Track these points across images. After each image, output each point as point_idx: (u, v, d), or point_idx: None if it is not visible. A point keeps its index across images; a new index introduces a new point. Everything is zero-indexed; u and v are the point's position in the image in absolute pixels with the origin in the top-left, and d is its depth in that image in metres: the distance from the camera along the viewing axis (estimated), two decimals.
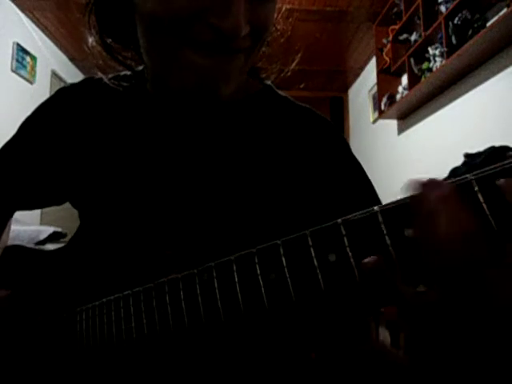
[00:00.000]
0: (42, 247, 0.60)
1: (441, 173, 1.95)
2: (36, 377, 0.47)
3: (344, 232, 0.29)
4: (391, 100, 2.94)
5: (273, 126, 0.51)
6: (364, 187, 0.51)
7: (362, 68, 3.96)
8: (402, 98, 2.73)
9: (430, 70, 2.37)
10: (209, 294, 0.34)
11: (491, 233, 0.24)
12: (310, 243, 0.30)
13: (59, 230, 1.62)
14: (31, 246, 0.59)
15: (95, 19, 0.48)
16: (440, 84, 2.35)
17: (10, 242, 0.61)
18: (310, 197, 0.48)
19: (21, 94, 3.03)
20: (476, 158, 1.79)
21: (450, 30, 2.03)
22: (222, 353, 0.44)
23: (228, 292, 0.33)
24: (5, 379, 0.48)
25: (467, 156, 1.88)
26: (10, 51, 2.92)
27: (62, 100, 0.56)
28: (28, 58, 3.13)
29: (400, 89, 2.86)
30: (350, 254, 0.28)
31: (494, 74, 2.03)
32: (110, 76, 0.54)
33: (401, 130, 3.11)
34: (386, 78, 3.01)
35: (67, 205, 0.61)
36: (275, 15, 0.47)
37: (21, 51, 3.02)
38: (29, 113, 0.57)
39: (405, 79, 2.73)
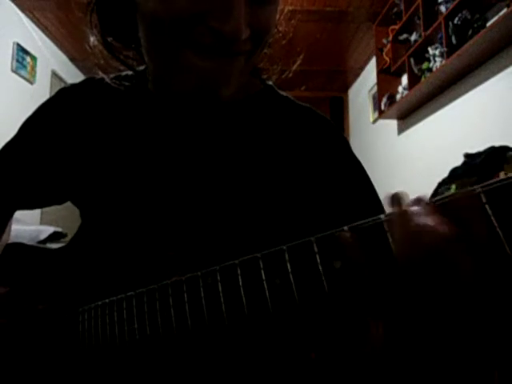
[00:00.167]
0: (43, 246, 0.60)
1: (441, 172, 1.95)
2: (37, 377, 0.47)
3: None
4: (391, 100, 2.94)
5: (274, 126, 0.51)
6: (364, 186, 0.51)
7: (362, 68, 3.96)
8: (401, 98, 2.73)
9: (429, 70, 2.37)
10: (213, 297, 0.34)
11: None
12: (316, 250, 0.30)
13: (59, 229, 1.62)
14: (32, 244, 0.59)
15: (97, 18, 0.48)
16: (440, 84, 2.35)
17: (10, 242, 0.61)
18: (311, 196, 0.48)
19: (21, 94, 3.02)
20: (476, 158, 1.79)
21: (449, 30, 2.03)
22: (224, 355, 0.44)
23: (232, 296, 0.33)
24: (6, 379, 0.48)
25: (467, 156, 1.88)
26: (10, 51, 2.92)
27: (62, 100, 0.56)
28: (28, 58, 3.12)
29: (400, 89, 2.86)
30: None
31: (494, 73, 2.03)
32: (112, 76, 0.54)
33: (401, 130, 3.11)
34: (386, 78, 3.01)
35: (67, 204, 0.61)
36: (277, 17, 0.47)
37: (21, 51, 3.02)
38: (29, 113, 0.57)
39: (405, 79, 2.73)
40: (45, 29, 3.31)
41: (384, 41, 2.99)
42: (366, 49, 3.54)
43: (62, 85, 3.28)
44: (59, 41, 3.50)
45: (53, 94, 0.57)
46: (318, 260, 0.29)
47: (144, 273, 0.41)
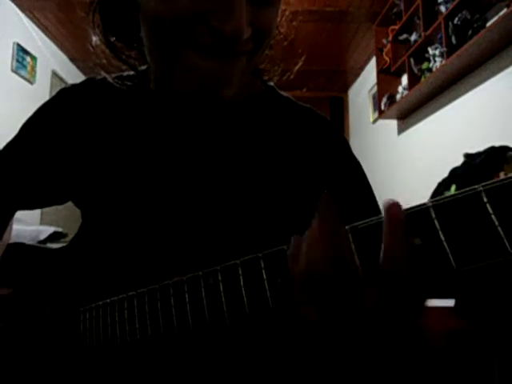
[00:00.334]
0: (43, 246, 0.60)
1: (441, 172, 1.95)
2: (38, 376, 0.48)
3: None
4: (391, 100, 2.94)
5: (275, 126, 0.51)
6: (362, 188, 0.51)
7: (362, 68, 3.96)
8: (401, 98, 2.73)
9: (429, 70, 2.37)
10: (214, 297, 0.34)
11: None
12: None
13: (59, 229, 1.62)
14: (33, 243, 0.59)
15: (100, 18, 0.48)
16: (440, 84, 2.35)
17: (11, 242, 0.61)
18: (311, 196, 0.48)
19: (21, 95, 3.02)
20: (476, 158, 1.79)
21: (449, 30, 2.03)
22: (225, 354, 0.44)
23: (234, 295, 0.33)
24: (7, 378, 0.49)
25: (467, 156, 1.88)
26: (10, 51, 2.91)
27: (63, 100, 0.56)
28: (28, 58, 3.12)
29: (400, 89, 2.86)
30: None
31: (493, 73, 2.03)
32: (113, 76, 0.54)
33: (401, 130, 3.11)
34: (386, 77, 3.01)
35: (68, 204, 0.61)
36: (279, 18, 0.47)
37: (21, 51, 3.02)
38: (29, 113, 0.57)
39: (405, 79, 2.73)
40: (45, 29, 3.31)
41: (384, 41, 2.99)
42: (366, 49, 3.54)
43: (63, 85, 3.28)
44: (59, 41, 3.50)
45: (53, 94, 0.58)
46: None
47: (145, 273, 0.41)
